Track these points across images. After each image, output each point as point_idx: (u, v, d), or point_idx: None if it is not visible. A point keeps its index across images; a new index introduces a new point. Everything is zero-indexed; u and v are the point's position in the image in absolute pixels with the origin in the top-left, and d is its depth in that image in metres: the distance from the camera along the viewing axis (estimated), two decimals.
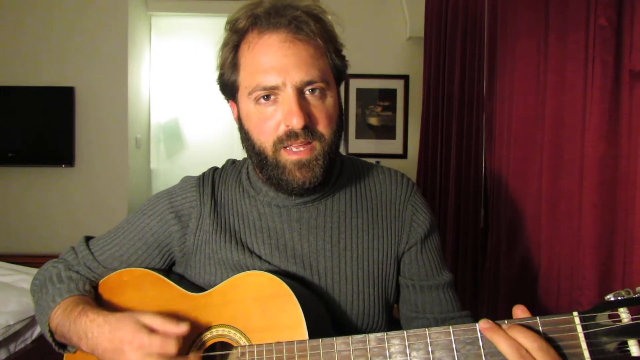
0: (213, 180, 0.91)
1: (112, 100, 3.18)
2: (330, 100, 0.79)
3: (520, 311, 0.64)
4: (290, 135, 0.76)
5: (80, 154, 3.18)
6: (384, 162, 3.26)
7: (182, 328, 0.72)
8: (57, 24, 3.14)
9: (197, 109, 3.97)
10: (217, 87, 0.87)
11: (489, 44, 2.02)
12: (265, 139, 0.78)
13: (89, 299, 0.87)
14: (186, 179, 0.93)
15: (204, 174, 0.93)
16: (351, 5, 3.30)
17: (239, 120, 0.84)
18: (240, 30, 0.78)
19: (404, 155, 3.38)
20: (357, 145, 3.32)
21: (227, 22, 0.81)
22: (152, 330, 0.72)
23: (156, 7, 3.51)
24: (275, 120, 0.77)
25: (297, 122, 0.74)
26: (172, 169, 3.96)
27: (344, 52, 0.84)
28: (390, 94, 3.36)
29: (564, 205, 1.47)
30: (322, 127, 0.78)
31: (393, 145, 3.38)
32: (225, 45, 0.81)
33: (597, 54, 1.30)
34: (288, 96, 0.75)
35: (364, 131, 3.37)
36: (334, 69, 0.81)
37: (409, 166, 3.17)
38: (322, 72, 0.77)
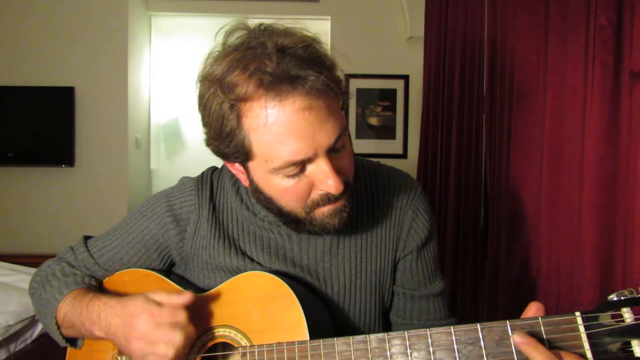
0: (212, 184, 0.89)
1: (112, 100, 3.18)
2: (347, 140, 0.73)
3: (535, 308, 0.62)
4: (329, 198, 0.72)
5: (80, 154, 3.18)
6: (384, 162, 3.23)
7: (187, 297, 0.75)
8: (58, 24, 3.14)
9: (197, 109, 3.96)
10: (211, 150, 0.76)
11: (489, 44, 2.02)
12: (296, 205, 0.73)
13: (96, 290, 0.87)
14: (184, 181, 0.91)
15: (202, 174, 0.91)
16: (351, 5, 3.30)
17: (253, 182, 0.76)
18: (243, 96, 0.66)
19: (404, 155, 3.38)
20: (357, 145, 3.32)
21: (213, 77, 0.69)
22: (159, 304, 0.75)
23: (156, 7, 3.51)
24: (307, 186, 0.71)
25: (336, 188, 0.69)
26: (172, 169, 3.95)
27: (342, 60, 0.75)
28: (390, 94, 3.36)
29: (564, 205, 1.48)
30: (349, 175, 0.74)
31: (393, 145, 3.38)
32: (220, 111, 0.70)
33: (597, 54, 1.30)
34: (320, 164, 0.68)
35: (364, 131, 3.37)
36: (343, 104, 0.73)
37: (409, 166, 3.17)
38: (341, 121, 0.70)
